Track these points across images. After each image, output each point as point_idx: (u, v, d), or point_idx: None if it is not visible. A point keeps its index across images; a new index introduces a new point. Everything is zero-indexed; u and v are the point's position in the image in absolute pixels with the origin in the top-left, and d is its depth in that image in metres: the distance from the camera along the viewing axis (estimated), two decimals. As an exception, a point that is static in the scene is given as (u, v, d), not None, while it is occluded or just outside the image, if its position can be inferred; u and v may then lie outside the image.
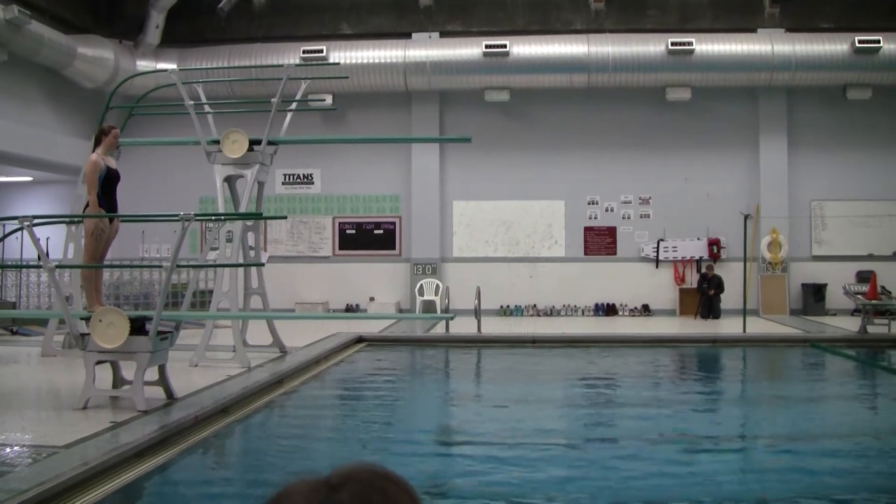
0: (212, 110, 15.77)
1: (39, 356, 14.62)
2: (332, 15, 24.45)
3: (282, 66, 15.63)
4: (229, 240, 14.40)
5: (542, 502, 7.23)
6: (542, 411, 11.78)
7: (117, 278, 20.64)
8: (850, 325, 20.37)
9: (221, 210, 14.48)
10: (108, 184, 11.48)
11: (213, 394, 10.97)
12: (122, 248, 23.65)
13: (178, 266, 11.05)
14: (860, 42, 22.36)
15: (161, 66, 22.40)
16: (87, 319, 10.18)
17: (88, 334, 9.84)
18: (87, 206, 11.53)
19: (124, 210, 20.66)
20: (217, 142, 14.50)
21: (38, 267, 10.58)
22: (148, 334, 9.85)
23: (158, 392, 10.38)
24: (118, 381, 10.36)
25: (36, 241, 10.07)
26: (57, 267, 11.06)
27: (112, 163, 11.80)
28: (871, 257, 24.18)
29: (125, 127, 16.69)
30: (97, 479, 7.17)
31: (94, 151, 11.61)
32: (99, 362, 9.97)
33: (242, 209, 14.43)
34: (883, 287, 20.97)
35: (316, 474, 1.39)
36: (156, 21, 22.73)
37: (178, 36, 23.73)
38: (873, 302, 19.45)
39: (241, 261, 14.43)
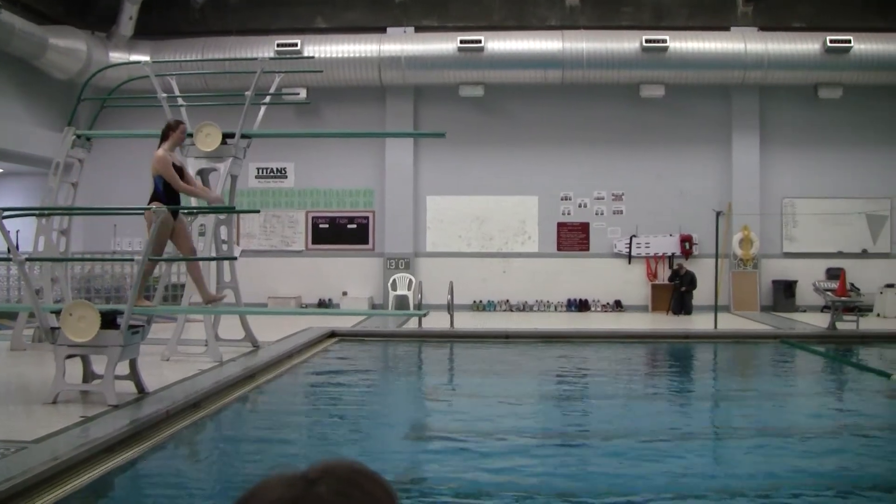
0: (185, 103, 15.70)
1: (9, 350, 14.46)
2: (307, 9, 24.37)
3: (256, 59, 15.61)
4: (202, 233, 14.35)
5: (515, 496, 7.25)
6: (515, 406, 11.80)
7: (88, 271, 20.48)
8: (820, 321, 20.56)
9: (194, 204, 14.40)
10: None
11: (185, 388, 10.93)
12: (93, 241, 23.56)
13: (151, 259, 10.98)
14: (831, 42, 22.54)
15: (134, 57, 22.22)
16: (58, 313, 10.10)
17: (59, 328, 9.77)
18: (152, 195, 11.32)
19: (94, 202, 20.63)
20: (190, 135, 14.41)
21: (8, 260, 10.43)
22: (119, 328, 9.80)
23: (129, 386, 10.32)
24: (89, 376, 10.27)
25: (6, 233, 9.97)
26: (27, 260, 10.98)
27: (178, 159, 11.66)
28: (840, 254, 24.42)
29: (96, 119, 16.58)
30: (67, 474, 7.13)
31: (160, 147, 11.47)
32: (69, 356, 9.89)
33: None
34: (852, 284, 21.16)
35: (292, 469, 1.39)
36: (129, 12, 22.56)
37: (152, 28, 23.56)
38: (842, 299, 19.62)
39: (213, 255, 14.38)
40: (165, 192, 11.23)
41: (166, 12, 24.00)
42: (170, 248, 12.70)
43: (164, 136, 11.57)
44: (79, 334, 9.66)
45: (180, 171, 11.51)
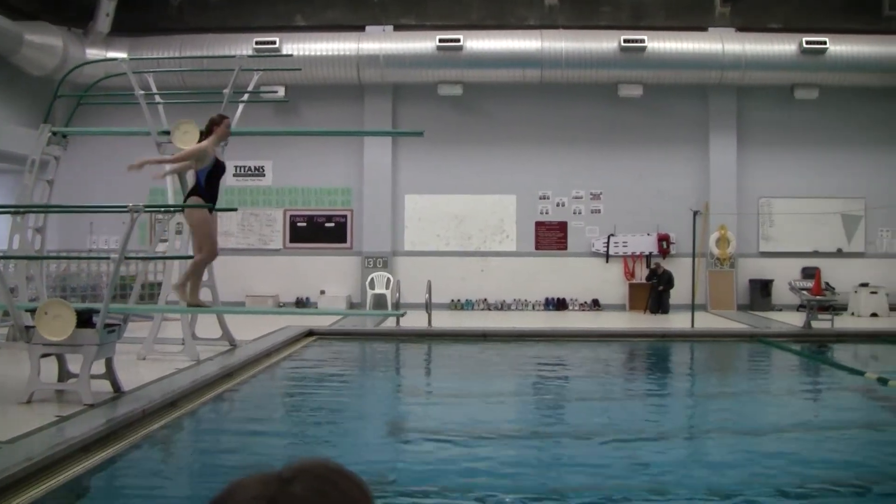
0: (163, 100, 15.63)
1: (-17, 348, 14.39)
2: (285, 7, 24.30)
3: (234, 56, 15.51)
4: (179, 232, 14.30)
5: (491, 494, 7.25)
6: (493, 405, 11.83)
7: (64, 270, 20.36)
8: (796, 320, 20.70)
9: (172, 202, 14.35)
10: (214, 174, 11.11)
11: (162, 387, 10.89)
12: (69, 239, 23.42)
13: (127, 258, 10.92)
14: (807, 43, 22.71)
15: (111, 54, 22.10)
16: (33, 311, 10.04)
17: (34, 327, 9.71)
18: (192, 189, 11.11)
19: (70, 200, 20.50)
20: (168, 132, 14.37)
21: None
22: (95, 327, 9.75)
23: (105, 385, 10.28)
24: (64, 375, 10.22)
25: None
26: (2, 258, 10.91)
27: (220, 154, 11.47)
28: (816, 254, 24.58)
29: (73, 116, 16.48)
30: (42, 474, 7.10)
31: (204, 139, 11.29)
32: (44, 355, 9.83)
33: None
34: (827, 283, 21.30)
35: (268, 468, 1.39)
36: (106, 9, 22.43)
37: (130, 24, 23.42)
38: (818, 298, 19.75)
39: (190, 253, 14.31)
40: (207, 187, 11.02)
41: (144, 9, 23.86)
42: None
43: (208, 131, 11.37)
44: (54, 333, 9.61)
45: (221, 167, 11.33)
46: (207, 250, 11.33)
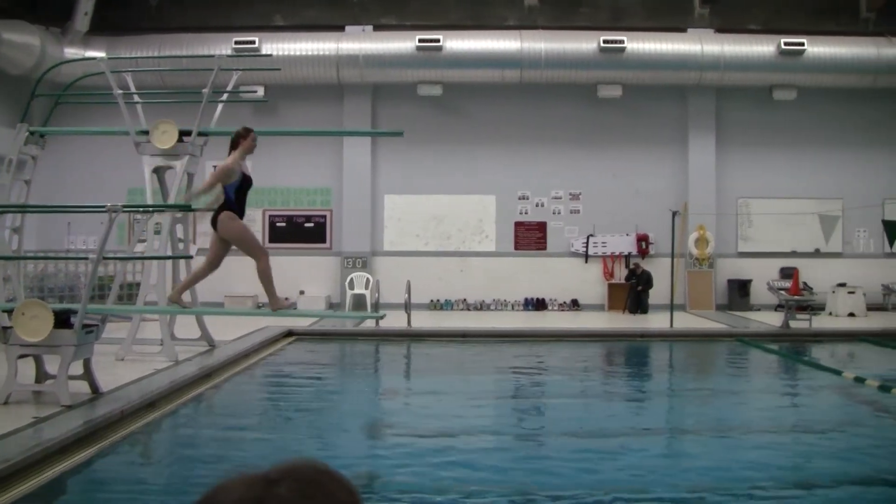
0: (141, 100, 15.57)
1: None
2: (265, 6, 24.26)
3: (213, 56, 15.46)
4: (158, 232, 14.25)
5: (472, 493, 7.27)
6: (472, 405, 11.84)
7: (41, 270, 20.25)
8: (774, 319, 20.83)
9: (150, 201, 14.30)
10: (242, 188, 10.93)
11: (140, 388, 10.85)
12: (47, 239, 23.30)
13: (105, 258, 10.88)
14: (786, 44, 22.89)
15: (90, 53, 22.01)
16: (10, 312, 9.99)
17: (11, 327, 9.66)
18: (223, 205, 10.81)
19: (48, 200, 20.40)
20: (146, 132, 14.33)
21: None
22: (73, 327, 9.71)
23: (83, 386, 10.23)
24: (41, 376, 10.17)
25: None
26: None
27: (247, 168, 11.33)
28: (794, 254, 24.75)
29: (51, 115, 16.39)
30: (19, 476, 7.06)
31: (229, 154, 11.17)
32: (22, 356, 9.78)
33: (171, 201, 14.27)
34: (805, 283, 21.46)
35: (254, 469, 1.38)
36: (85, 7, 22.33)
37: (108, 23, 23.32)
38: (796, 298, 19.89)
39: (169, 253, 14.29)
40: (237, 200, 10.88)
41: (123, 8, 23.76)
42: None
43: (234, 145, 11.19)
44: (31, 334, 9.56)
45: (248, 181, 11.17)
46: (257, 255, 11.17)
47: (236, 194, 10.78)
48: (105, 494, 7.44)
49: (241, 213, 10.90)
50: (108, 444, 8.54)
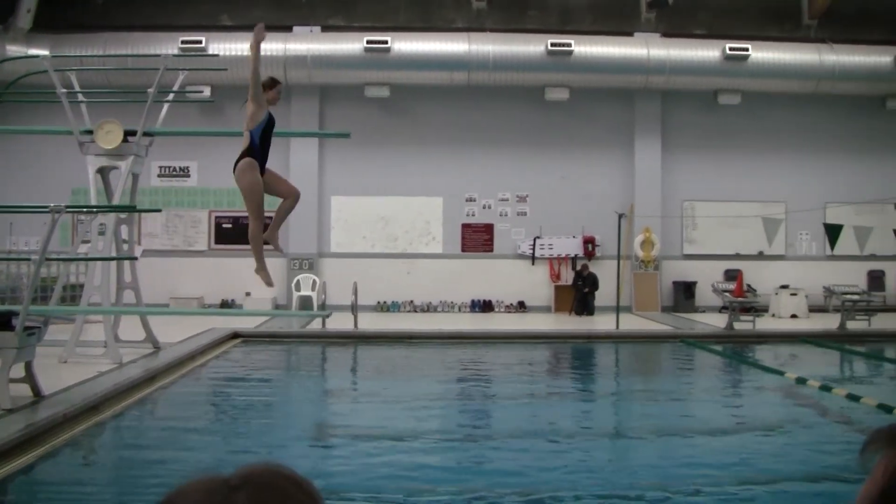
0: (85, 99, 15.38)
1: None
2: (212, 6, 24.09)
3: (159, 56, 15.33)
4: (102, 233, 14.11)
5: (416, 494, 7.29)
6: (418, 407, 11.85)
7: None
8: (718, 321, 21.07)
9: (94, 202, 14.15)
10: (266, 131, 10.62)
11: (83, 391, 10.74)
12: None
13: (48, 259, 10.75)
14: (731, 49, 23.24)
15: (32, 51, 21.67)
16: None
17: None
18: (246, 149, 10.47)
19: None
20: (90, 132, 14.17)
21: None
22: (14, 329, 9.58)
23: (25, 389, 10.10)
24: (-18, 379, 10.03)
25: None
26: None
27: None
28: (738, 256, 25.10)
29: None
30: (-41, 480, 6.96)
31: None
32: (-38, 359, 9.65)
33: (116, 201, 14.13)
34: (749, 285, 21.75)
35: (215, 473, 1.31)
36: (28, 4, 22.02)
37: (52, 21, 22.98)
38: (739, 299, 20.20)
39: (113, 254, 14.15)
40: (261, 143, 10.52)
41: (67, 5, 23.45)
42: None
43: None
44: (-28, 336, 9.43)
45: (272, 122, 10.81)
46: (251, 217, 10.78)
47: (261, 137, 10.54)
48: (46, 500, 7.36)
49: (264, 158, 10.60)
50: (51, 447, 8.45)
